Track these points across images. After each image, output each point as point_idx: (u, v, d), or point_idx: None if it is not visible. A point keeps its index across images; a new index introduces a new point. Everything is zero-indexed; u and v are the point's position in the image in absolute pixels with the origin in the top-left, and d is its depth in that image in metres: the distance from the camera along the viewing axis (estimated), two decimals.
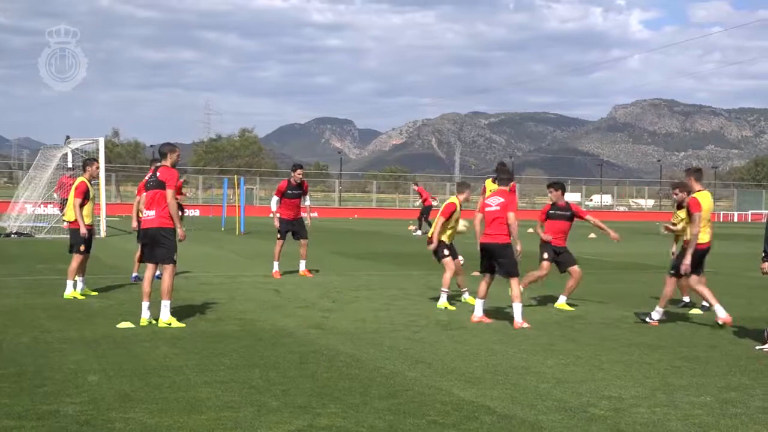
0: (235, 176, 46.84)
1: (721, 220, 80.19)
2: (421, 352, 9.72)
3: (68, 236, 14.43)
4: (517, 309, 11.77)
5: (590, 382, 8.36)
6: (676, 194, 13.22)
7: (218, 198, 63.74)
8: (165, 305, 11.20)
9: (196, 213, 59.62)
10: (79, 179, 14.07)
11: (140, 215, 16.20)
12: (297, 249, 18.36)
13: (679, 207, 13.03)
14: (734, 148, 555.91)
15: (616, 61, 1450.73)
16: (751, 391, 8.11)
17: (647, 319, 12.24)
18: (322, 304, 13.67)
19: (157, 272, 16.06)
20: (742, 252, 28.79)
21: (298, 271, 18.10)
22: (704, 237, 12.16)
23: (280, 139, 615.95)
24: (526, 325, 11.59)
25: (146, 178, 11.60)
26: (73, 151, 30.92)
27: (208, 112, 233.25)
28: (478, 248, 12.30)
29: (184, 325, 11.20)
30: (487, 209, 12.24)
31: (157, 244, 11.31)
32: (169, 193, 11.19)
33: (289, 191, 17.70)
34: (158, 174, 11.29)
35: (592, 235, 37.61)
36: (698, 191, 12.10)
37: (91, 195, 14.08)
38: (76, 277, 13.93)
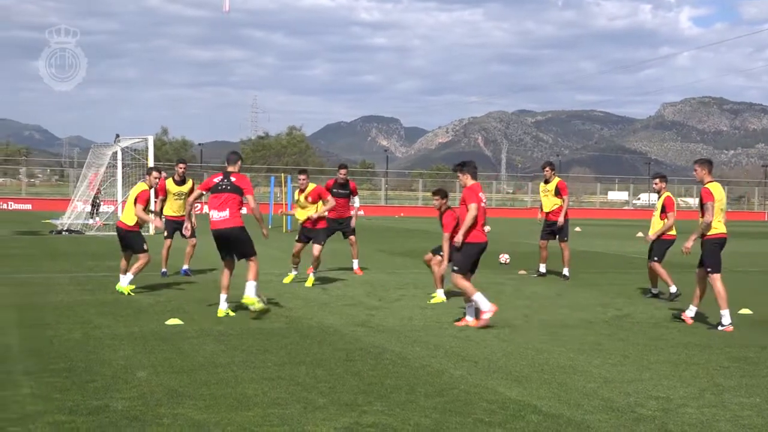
0: (282, 174, 46.94)
1: None
2: (467, 350, 9.72)
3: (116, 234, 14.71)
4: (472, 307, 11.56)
5: (638, 381, 8.31)
6: (656, 184, 15.09)
7: (265, 196, 64.02)
8: (254, 284, 11.99)
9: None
10: (142, 186, 14.44)
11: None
12: (348, 248, 18.43)
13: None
14: None
15: (665, 58, 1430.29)
16: None
17: (719, 328, 11.57)
18: (368, 302, 13.70)
19: (185, 267, 16.40)
20: None
21: (352, 269, 18.07)
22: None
23: (327, 138, 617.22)
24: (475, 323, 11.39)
25: (215, 180, 12.23)
26: (122, 150, 31.28)
27: (255, 110, 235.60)
28: (475, 249, 11.58)
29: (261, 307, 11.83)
30: (482, 204, 11.63)
31: (238, 242, 12.21)
32: (253, 198, 12.23)
33: (334, 189, 17.60)
34: (233, 179, 12.10)
35: (640, 234, 37.24)
36: (709, 182, 12.01)
37: (150, 204, 14.90)
38: (124, 274, 14.08)
